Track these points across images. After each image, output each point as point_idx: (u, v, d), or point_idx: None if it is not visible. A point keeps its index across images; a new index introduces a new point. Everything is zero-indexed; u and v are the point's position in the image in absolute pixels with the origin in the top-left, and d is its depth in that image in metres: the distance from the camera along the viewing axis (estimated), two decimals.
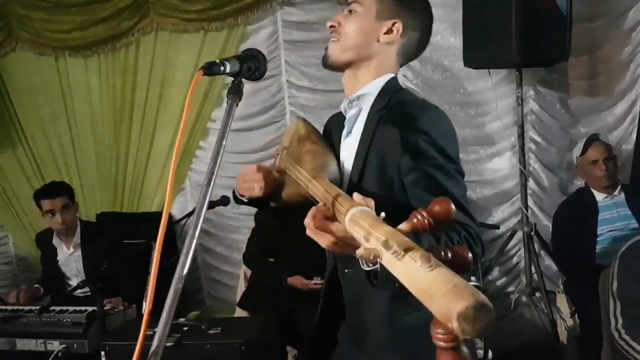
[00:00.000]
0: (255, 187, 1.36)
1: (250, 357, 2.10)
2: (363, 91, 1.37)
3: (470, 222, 1.17)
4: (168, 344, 0.85)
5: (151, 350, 0.83)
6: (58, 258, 3.26)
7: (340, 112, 1.47)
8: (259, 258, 3.26)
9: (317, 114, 3.85)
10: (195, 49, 3.86)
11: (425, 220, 0.73)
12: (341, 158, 1.40)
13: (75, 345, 2.37)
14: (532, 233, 3.35)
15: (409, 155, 1.21)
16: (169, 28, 3.88)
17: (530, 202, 3.55)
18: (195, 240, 0.93)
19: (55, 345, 2.38)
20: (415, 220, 0.74)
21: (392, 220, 1.24)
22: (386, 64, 1.38)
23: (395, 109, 1.30)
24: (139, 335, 2.31)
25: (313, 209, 0.98)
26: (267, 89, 3.82)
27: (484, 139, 3.69)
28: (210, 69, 1.07)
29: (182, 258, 0.91)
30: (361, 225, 0.79)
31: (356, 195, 0.92)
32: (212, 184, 0.98)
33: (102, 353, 2.17)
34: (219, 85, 3.84)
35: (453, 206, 0.74)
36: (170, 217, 4.03)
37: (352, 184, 1.32)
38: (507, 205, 3.72)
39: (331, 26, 1.38)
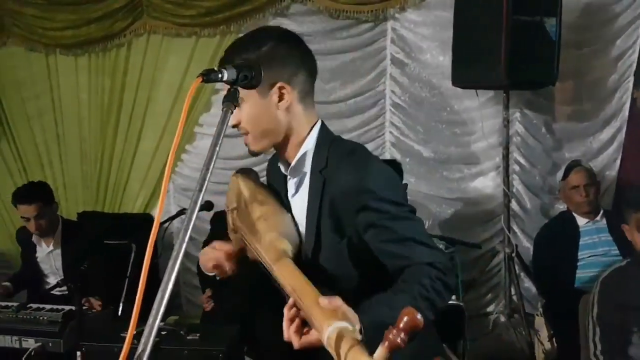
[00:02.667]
0: (228, 272, 1.41)
1: None
2: (300, 153, 1.35)
3: (435, 257, 1.23)
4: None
5: (136, 354, 0.84)
6: (37, 255, 3.22)
7: (277, 163, 1.45)
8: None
9: None
10: (186, 53, 3.87)
11: (398, 338, 0.79)
12: (294, 214, 1.40)
13: (50, 344, 2.34)
14: (513, 254, 3.36)
15: (363, 215, 1.25)
16: (161, 31, 3.89)
17: (512, 223, 3.58)
18: (185, 245, 0.95)
19: (30, 343, 2.36)
20: (388, 342, 0.79)
21: (360, 277, 1.30)
22: (302, 121, 1.35)
23: (337, 170, 1.29)
24: (115, 337, 2.29)
25: (287, 325, 1.07)
26: None
27: (469, 158, 3.74)
28: (209, 76, 1.09)
29: (171, 262, 0.92)
30: (343, 354, 0.85)
31: (322, 301, 0.99)
32: (203, 189, 1.00)
33: (78, 353, 2.14)
34: (208, 90, 3.86)
35: (419, 317, 0.79)
36: (152, 219, 4.05)
37: (310, 253, 1.33)
38: (489, 225, 3.75)
39: (234, 126, 1.34)
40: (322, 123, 1.38)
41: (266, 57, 1.29)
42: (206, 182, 1.01)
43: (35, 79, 4.13)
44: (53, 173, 4.15)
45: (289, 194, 1.42)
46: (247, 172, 1.58)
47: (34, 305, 2.66)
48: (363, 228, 1.26)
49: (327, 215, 1.30)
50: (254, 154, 1.38)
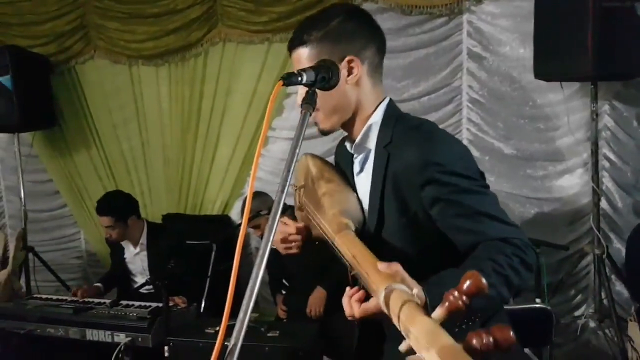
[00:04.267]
0: (294, 249, 1.43)
1: None
2: (366, 125, 1.34)
3: (510, 232, 1.16)
4: (226, 343, 0.87)
5: (228, 349, 0.86)
6: (125, 256, 3.39)
7: (344, 143, 1.45)
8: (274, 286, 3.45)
9: None
10: (259, 60, 3.95)
11: (460, 301, 0.73)
12: (359, 194, 1.39)
13: (139, 339, 2.45)
14: (604, 256, 3.19)
15: (429, 189, 1.20)
16: (235, 39, 3.98)
17: (602, 223, 3.38)
18: (270, 243, 0.96)
19: (121, 338, 2.48)
20: (448, 302, 0.74)
21: (423, 255, 1.25)
22: (370, 96, 1.35)
23: (402, 144, 1.26)
24: (200, 332, 2.36)
25: (347, 300, 1.05)
26: None
27: (554, 155, 3.55)
28: (289, 80, 1.11)
29: (258, 260, 0.94)
30: (397, 315, 0.82)
31: (380, 265, 0.97)
32: (285, 190, 1.01)
33: (166, 348, 2.22)
34: (280, 95, 3.91)
35: (484, 280, 0.73)
36: (230, 220, 4.17)
37: (373, 229, 1.31)
38: (577, 225, 3.54)
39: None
40: (390, 100, 1.37)
41: (335, 31, 1.30)
42: (288, 183, 1.03)
43: (119, 89, 4.34)
44: (138, 178, 4.36)
45: (355, 173, 1.41)
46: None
47: (124, 302, 2.80)
48: (429, 203, 1.22)
49: (390, 192, 1.27)
50: (323, 133, 1.39)
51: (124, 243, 3.38)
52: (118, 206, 3.31)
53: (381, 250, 1.26)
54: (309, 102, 1.12)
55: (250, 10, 3.88)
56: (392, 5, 3.60)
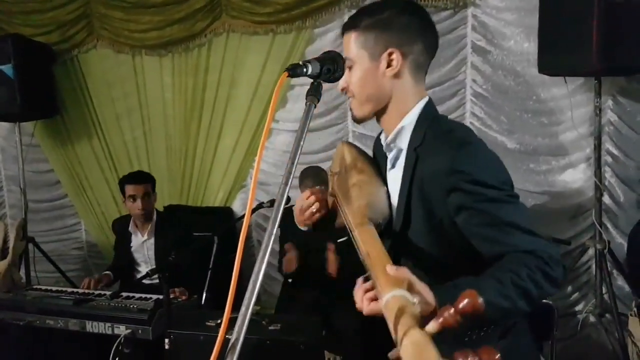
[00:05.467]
0: (316, 214, 1.42)
1: (309, 358, 2.10)
2: (399, 127, 1.33)
3: (537, 245, 1.13)
4: (228, 336, 0.87)
5: (230, 343, 0.86)
6: (132, 244, 3.40)
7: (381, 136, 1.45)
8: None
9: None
10: (263, 51, 3.93)
11: (453, 319, 0.76)
12: (389, 189, 1.38)
13: (140, 331, 2.45)
14: (605, 251, 3.19)
15: (454, 197, 1.19)
16: (239, 30, 3.96)
17: (604, 218, 3.38)
18: (272, 237, 0.96)
19: (121, 330, 2.48)
20: (442, 318, 0.76)
21: (447, 260, 1.25)
22: (409, 93, 1.33)
23: (431, 148, 1.25)
24: (201, 325, 2.35)
25: (359, 293, 1.05)
26: (329, 91, 3.79)
27: (557, 149, 3.54)
28: (294, 71, 1.11)
29: (260, 254, 0.94)
30: (393, 322, 0.84)
31: (390, 268, 0.98)
32: (289, 183, 1.02)
33: (167, 340, 2.23)
34: (283, 86, 3.88)
35: (480, 300, 0.75)
36: (232, 212, 4.17)
37: (399, 228, 1.31)
38: (579, 220, 3.54)
39: (342, 89, 1.36)
40: (429, 100, 1.35)
41: (384, 21, 1.30)
42: (292, 175, 1.03)
43: (123, 79, 4.33)
44: (140, 168, 4.34)
45: (387, 168, 1.40)
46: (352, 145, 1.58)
47: (125, 294, 2.81)
48: (454, 210, 1.20)
49: (417, 195, 1.26)
50: (357, 120, 1.39)
51: (132, 230, 3.39)
52: (152, 177, 3.45)
53: (405, 250, 1.28)
54: (314, 94, 1.12)
55: (254, 1, 3.86)
56: None
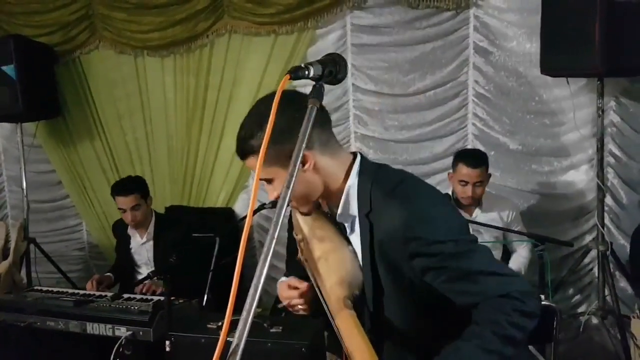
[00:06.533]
0: (301, 311, 1.44)
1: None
2: (343, 198, 1.32)
3: (507, 285, 1.16)
4: (229, 339, 0.86)
5: (231, 348, 0.85)
6: (131, 246, 3.39)
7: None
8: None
9: (381, 118, 3.82)
10: (265, 51, 3.92)
11: None
12: (355, 249, 1.37)
13: (141, 333, 2.44)
14: (608, 252, 3.18)
15: (417, 261, 1.21)
16: (241, 31, 3.95)
17: (606, 220, 3.37)
18: (274, 240, 0.95)
19: (122, 331, 2.47)
20: None
21: (427, 317, 1.27)
22: (335, 169, 1.32)
23: (381, 213, 1.25)
24: (202, 327, 2.33)
25: None
26: (331, 92, 3.80)
27: (560, 150, 3.53)
28: (296, 73, 1.10)
29: (262, 256, 0.92)
30: None
31: None
32: (291, 186, 1.00)
33: (167, 343, 2.22)
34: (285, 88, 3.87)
35: None
36: (233, 213, 4.16)
37: (372, 296, 1.31)
38: (582, 221, 3.53)
39: (275, 199, 1.33)
40: (361, 157, 1.34)
41: (272, 134, 1.13)
42: (293, 178, 1.02)
43: (125, 80, 4.33)
44: (142, 169, 4.35)
45: (348, 232, 1.39)
46: None
47: (126, 295, 2.80)
48: (420, 272, 1.22)
49: (381, 260, 1.27)
50: (304, 215, 1.39)
51: (130, 232, 3.38)
52: (141, 183, 3.36)
53: (383, 321, 1.31)
54: (316, 96, 1.11)
55: (257, 2, 3.85)
56: None
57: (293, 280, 1.47)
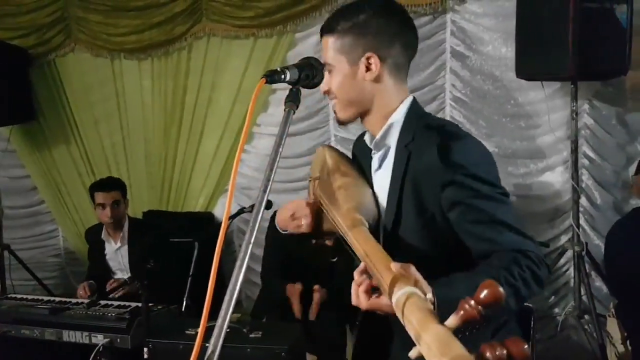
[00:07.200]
0: (303, 225, 1.37)
1: None
2: (386, 125, 1.33)
3: (527, 245, 1.15)
4: (207, 345, 0.86)
5: (206, 356, 0.85)
6: (106, 252, 3.35)
7: (364, 137, 1.44)
8: (272, 278, 3.34)
9: (358, 122, 3.83)
10: (245, 55, 3.92)
11: (475, 310, 0.72)
12: (375, 190, 1.38)
13: (118, 340, 2.40)
14: (583, 253, 3.23)
15: (449, 191, 1.19)
16: (220, 34, 3.95)
17: (581, 220, 3.43)
18: (251, 246, 0.95)
19: (99, 339, 2.43)
20: (463, 311, 0.73)
21: (439, 256, 1.24)
22: (391, 94, 1.33)
23: (424, 143, 1.25)
24: (180, 334, 2.31)
25: (355, 288, 1.03)
26: (311, 96, 3.80)
27: (535, 153, 3.59)
28: (272, 77, 1.11)
29: (238, 262, 0.92)
30: (409, 320, 0.80)
31: (394, 265, 0.95)
32: (268, 189, 1.01)
33: (145, 350, 2.20)
34: (265, 90, 3.88)
35: (501, 290, 0.72)
36: (213, 218, 4.14)
37: (390, 227, 1.30)
38: (557, 222, 3.59)
39: (324, 92, 1.36)
40: (414, 99, 1.36)
41: (361, 25, 1.29)
42: (270, 182, 1.02)
43: (101, 83, 4.29)
44: (119, 174, 4.30)
45: (373, 169, 1.39)
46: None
47: (103, 302, 2.76)
48: (448, 205, 1.20)
49: (409, 191, 1.26)
50: (341, 122, 1.39)
51: (105, 237, 3.34)
52: (122, 182, 3.39)
53: (396, 248, 1.25)
54: (293, 100, 1.12)
55: (236, 5, 3.85)
56: None
57: (297, 200, 1.44)
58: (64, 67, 4.35)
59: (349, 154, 1.57)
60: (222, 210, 4.12)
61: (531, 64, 3.10)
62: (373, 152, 1.38)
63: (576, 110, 3.21)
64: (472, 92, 3.62)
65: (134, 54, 4.15)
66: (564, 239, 3.53)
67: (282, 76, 1.12)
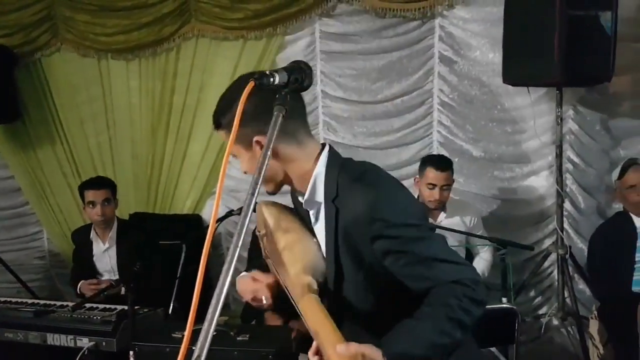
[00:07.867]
0: (264, 306, 1.43)
1: None
2: (311, 183, 1.33)
3: (461, 271, 1.21)
4: (193, 348, 0.86)
5: (193, 359, 0.84)
6: (93, 253, 3.32)
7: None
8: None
9: (349, 125, 3.86)
10: (234, 56, 3.91)
11: None
12: (319, 241, 1.39)
13: (104, 343, 2.39)
14: (567, 256, 3.28)
15: (378, 243, 1.24)
16: (209, 35, 3.93)
17: (565, 224, 3.47)
18: (239, 249, 0.94)
19: (84, 342, 2.41)
20: None
21: (385, 303, 1.31)
22: (300, 158, 1.32)
23: (348, 199, 1.27)
24: (166, 337, 2.30)
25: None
26: None
27: (521, 157, 3.63)
28: (261, 80, 1.10)
29: (226, 265, 0.92)
30: None
31: (339, 347, 1.07)
32: (256, 193, 1.00)
33: (131, 353, 2.18)
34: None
35: None
36: (201, 220, 4.12)
37: (333, 283, 1.33)
38: (542, 225, 3.64)
39: (244, 173, 1.36)
40: (330, 148, 1.37)
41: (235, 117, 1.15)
42: (258, 185, 1.02)
43: (88, 83, 4.25)
44: (105, 175, 4.25)
45: (312, 222, 1.40)
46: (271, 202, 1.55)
47: (88, 305, 2.73)
48: (381, 255, 1.25)
49: (344, 246, 1.30)
50: (270, 194, 1.40)
51: (93, 238, 3.32)
52: (112, 182, 3.39)
53: (343, 304, 1.33)
54: (282, 103, 1.11)
55: (225, 7, 3.83)
56: (368, 8, 3.61)
57: (257, 274, 1.46)
58: (50, 66, 4.30)
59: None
60: (209, 213, 4.11)
61: (517, 69, 3.15)
62: (307, 209, 1.39)
63: (561, 115, 3.25)
64: (459, 97, 3.66)
65: (122, 54, 4.12)
66: (548, 242, 3.58)
67: (271, 79, 1.11)
